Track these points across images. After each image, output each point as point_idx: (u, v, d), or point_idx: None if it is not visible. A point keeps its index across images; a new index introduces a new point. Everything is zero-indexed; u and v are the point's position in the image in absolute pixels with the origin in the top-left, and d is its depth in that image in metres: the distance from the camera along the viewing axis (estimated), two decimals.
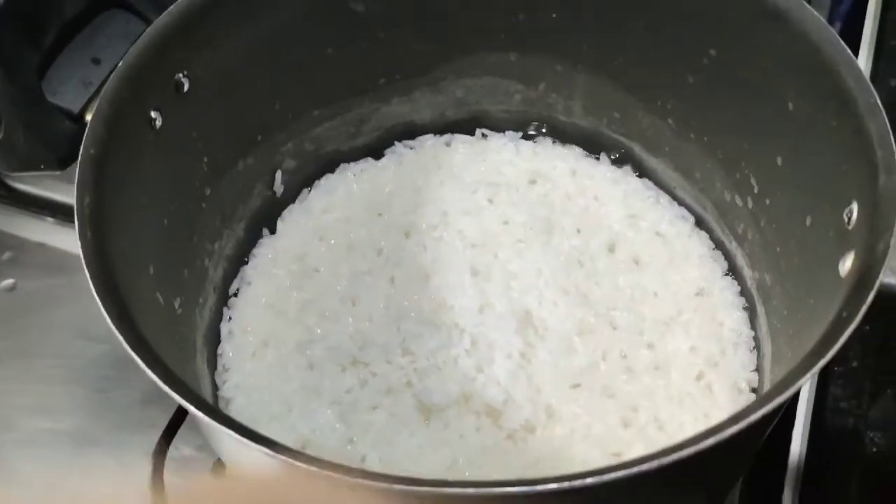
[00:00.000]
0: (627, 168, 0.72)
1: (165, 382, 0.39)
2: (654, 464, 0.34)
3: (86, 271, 0.41)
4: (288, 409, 0.60)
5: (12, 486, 0.74)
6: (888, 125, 0.43)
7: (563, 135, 0.73)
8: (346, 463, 0.56)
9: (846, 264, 0.43)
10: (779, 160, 0.55)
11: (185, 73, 0.54)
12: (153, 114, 0.52)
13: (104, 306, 0.40)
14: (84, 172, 0.45)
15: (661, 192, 0.70)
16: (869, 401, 0.71)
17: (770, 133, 0.55)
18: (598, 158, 0.73)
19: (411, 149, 0.75)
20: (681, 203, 0.69)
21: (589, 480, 0.33)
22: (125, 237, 0.47)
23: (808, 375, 0.36)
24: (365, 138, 0.72)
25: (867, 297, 0.38)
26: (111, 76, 0.49)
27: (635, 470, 0.34)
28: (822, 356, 0.36)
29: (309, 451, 0.58)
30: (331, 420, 0.59)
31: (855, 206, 0.45)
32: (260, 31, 0.58)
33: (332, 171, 0.72)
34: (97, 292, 0.40)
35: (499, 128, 0.74)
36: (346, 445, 0.59)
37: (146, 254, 0.51)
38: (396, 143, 0.74)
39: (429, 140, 0.75)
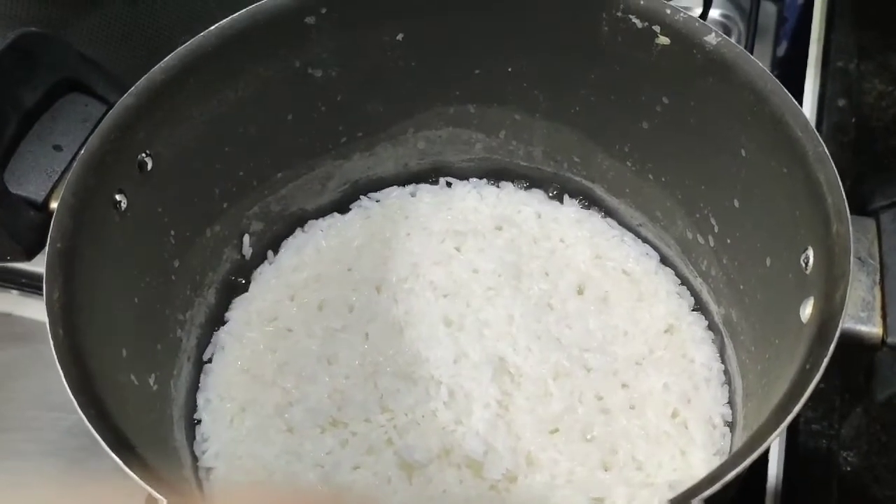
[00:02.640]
0: (592, 209, 0.73)
1: (154, 487, 0.39)
2: None
3: (59, 368, 0.41)
4: (270, 474, 0.60)
5: None
6: (836, 173, 0.45)
7: (525, 179, 0.74)
8: None
9: (807, 310, 0.44)
10: (735, 202, 0.57)
11: (148, 151, 0.54)
12: (118, 197, 0.52)
13: (80, 405, 0.40)
14: (52, 267, 0.45)
15: (625, 231, 0.72)
16: (839, 420, 0.73)
17: (725, 176, 0.57)
18: (561, 201, 0.74)
19: (377, 202, 0.75)
20: (645, 241, 0.71)
21: None
22: (97, 326, 0.47)
23: (777, 432, 0.37)
24: (330, 195, 0.73)
25: (828, 350, 0.39)
26: (74, 164, 0.49)
27: None
28: (789, 411, 0.38)
29: None
30: (314, 484, 0.60)
31: (811, 252, 0.46)
32: (220, 104, 0.59)
33: (299, 227, 0.73)
34: (71, 390, 0.40)
35: (462, 176, 0.75)
36: None
37: (119, 338, 0.51)
38: (362, 196, 0.75)
39: (394, 192, 0.75)
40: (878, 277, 0.43)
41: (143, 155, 0.54)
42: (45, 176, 0.50)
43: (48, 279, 0.44)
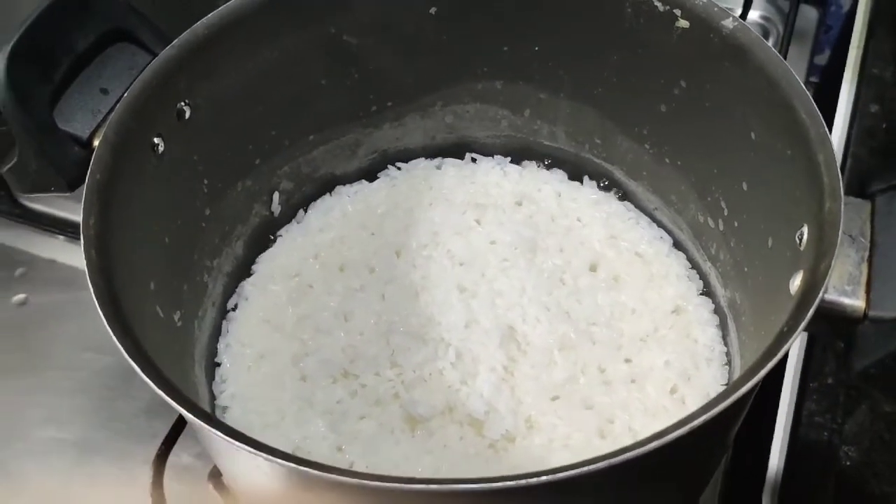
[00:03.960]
0: (610, 192, 0.75)
1: (165, 392, 0.42)
2: (606, 463, 0.37)
3: (90, 288, 0.44)
4: (281, 417, 0.64)
5: (20, 493, 0.77)
6: (835, 155, 0.47)
7: (548, 159, 0.77)
8: None
9: (795, 282, 0.46)
10: (744, 185, 0.58)
11: (187, 101, 0.58)
12: (156, 140, 0.55)
13: (108, 321, 0.43)
14: (90, 196, 0.48)
15: (640, 214, 0.74)
16: (843, 415, 0.74)
17: (736, 159, 0.59)
18: (581, 182, 0.76)
19: (403, 171, 0.78)
20: (660, 225, 0.72)
21: (543, 478, 0.37)
22: (128, 256, 0.51)
23: (743, 390, 0.39)
24: (359, 161, 0.76)
25: (807, 314, 0.41)
26: (117, 105, 0.53)
27: (589, 468, 0.37)
28: (758, 370, 0.39)
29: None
30: (321, 429, 0.63)
31: (805, 229, 0.48)
32: (257, 63, 0.62)
33: (327, 192, 0.76)
34: (101, 308, 0.44)
35: (487, 152, 0.78)
36: (335, 453, 0.62)
37: (148, 270, 0.54)
38: (389, 166, 0.78)
39: (420, 163, 0.78)
40: (866, 254, 0.45)
41: (182, 104, 0.58)
42: (90, 116, 0.54)
43: (86, 206, 0.48)
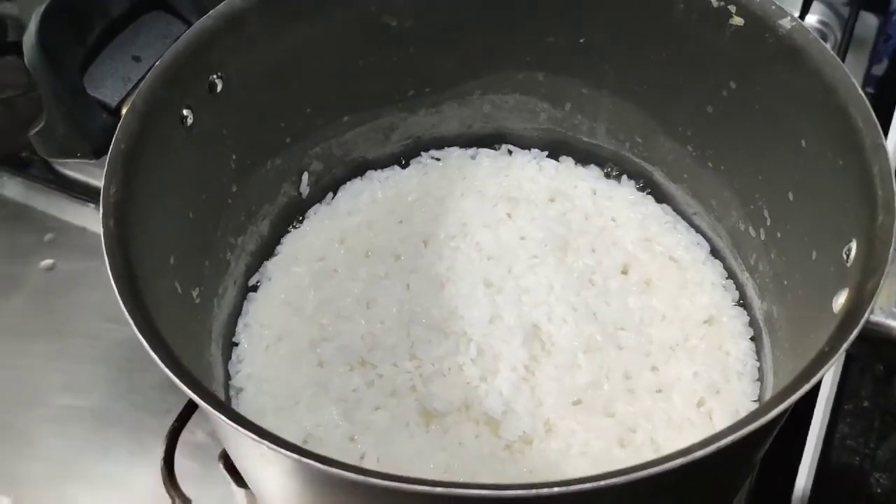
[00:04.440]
0: (647, 192, 0.73)
1: (172, 370, 0.41)
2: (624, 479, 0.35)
3: (105, 258, 0.43)
4: (295, 402, 0.62)
5: (35, 459, 0.78)
6: (891, 167, 0.44)
7: (586, 156, 0.74)
8: (343, 460, 0.59)
9: (839, 301, 0.43)
10: (790, 195, 0.56)
11: (220, 74, 0.57)
12: (185, 112, 0.54)
13: (120, 294, 0.42)
14: (113, 164, 0.47)
15: (678, 218, 0.71)
16: (877, 440, 0.71)
17: (783, 167, 0.56)
18: (619, 181, 0.74)
19: (437, 160, 0.77)
20: (697, 230, 0.70)
21: (556, 490, 0.35)
22: (148, 227, 0.50)
23: (778, 410, 0.37)
24: (392, 147, 0.74)
25: (850, 335, 0.39)
26: (148, 74, 0.52)
27: (604, 483, 0.35)
28: (795, 390, 0.37)
29: (310, 446, 0.61)
30: (335, 417, 0.61)
31: (854, 244, 0.45)
32: (293, 39, 0.61)
33: (358, 176, 0.74)
34: (115, 280, 0.43)
35: (524, 145, 0.76)
36: (346, 443, 0.60)
37: (169, 244, 0.53)
38: (423, 153, 0.76)
39: (455, 152, 0.76)
40: None
41: (215, 76, 0.56)
42: (121, 83, 0.53)
43: (107, 174, 0.47)
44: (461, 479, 0.58)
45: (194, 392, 0.41)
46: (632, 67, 0.65)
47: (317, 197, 0.73)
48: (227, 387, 0.63)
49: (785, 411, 0.38)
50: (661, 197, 0.72)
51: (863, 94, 0.47)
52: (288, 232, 0.72)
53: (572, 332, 0.65)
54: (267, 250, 0.70)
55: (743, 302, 0.66)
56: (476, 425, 0.61)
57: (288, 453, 0.38)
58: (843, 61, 0.90)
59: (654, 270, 0.69)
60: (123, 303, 0.42)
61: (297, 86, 0.64)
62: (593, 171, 0.75)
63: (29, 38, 0.48)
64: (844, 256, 0.46)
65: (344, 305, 0.67)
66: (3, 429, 0.79)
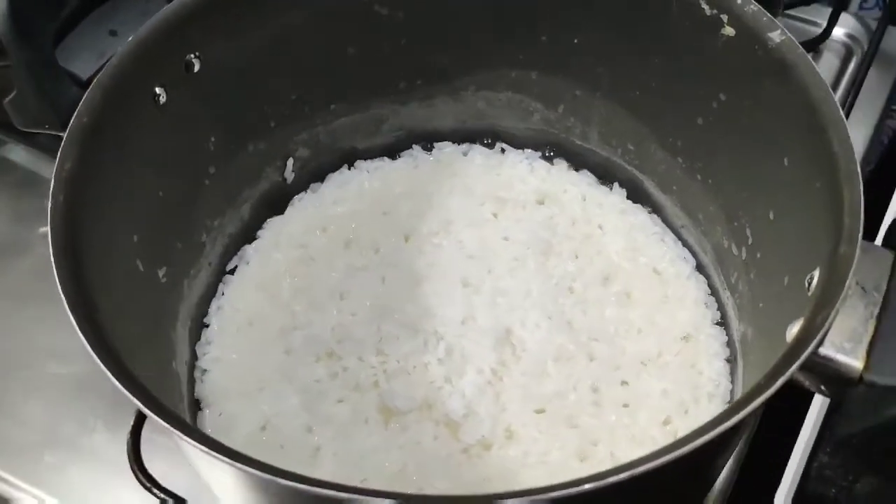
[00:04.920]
0: (639, 203, 0.71)
1: (97, 355, 0.40)
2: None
3: (48, 233, 0.43)
4: (258, 388, 0.62)
5: (16, 425, 0.78)
6: (862, 195, 0.42)
7: (579, 159, 0.73)
8: (299, 452, 0.59)
9: (793, 330, 0.42)
10: (771, 214, 0.54)
11: (198, 54, 0.56)
12: (158, 90, 0.54)
13: (58, 269, 0.42)
14: (71, 138, 0.47)
15: (666, 230, 0.69)
16: (856, 474, 0.69)
17: (766, 185, 0.54)
18: (610, 188, 0.72)
19: (429, 154, 0.75)
20: (685, 244, 0.68)
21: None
22: (108, 205, 0.49)
23: (712, 434, 0.35)
24: (384, 138, 0.73)
25: (790, 367, 0.37)
26: (119, 49, 0.51)
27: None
28: (726, 419, 0.36)
29: (267, 433, 0.60)
30: (296, 407, 0.61)
31: (817, 273, 0.43)
32: (279, 23, 0.60)
33: (346, 164, 0.74)
34: (54, 257, 0.42)
35: (517, 144, 0.74)
36: (304, 433, 0.60)
37: (131, 223, 0.53)
38: (415, 146, 0.75)
39: (447, 147, 0.75)
40: (876, 311, 0.40)
41: (192, 56, 0.56)
42: (95, 57, 0.53)
43: (64, 148, 0.46)
44: (415, 479, 0.58)
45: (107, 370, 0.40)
46: (625, 72, 0.63)
47: (303, 183, 0.72)
48: (192, 367, 0.63)
49: (720, 436, 0.37)
50: (651, 207, 0.70)
51: (843, 117, 0.45)
52: (271, 217, 0.71)
53: (545, 338, 0.64)
54: (248, 234, 0.70)
55: (723, 321, 0.64)
56: (436, 426, 0.60)
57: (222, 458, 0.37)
58: (865, 76, 0.87)
59: (636, 282, 0.67)
60: (60, 279, 0.41)
61: (282, 71, 0.63)
62: (586, 177, 0.73)
63: (0, 7, 0.48)
64: (806, 284, 0.44)
65: (318, 295, 0.67)
66: None
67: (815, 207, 0.46)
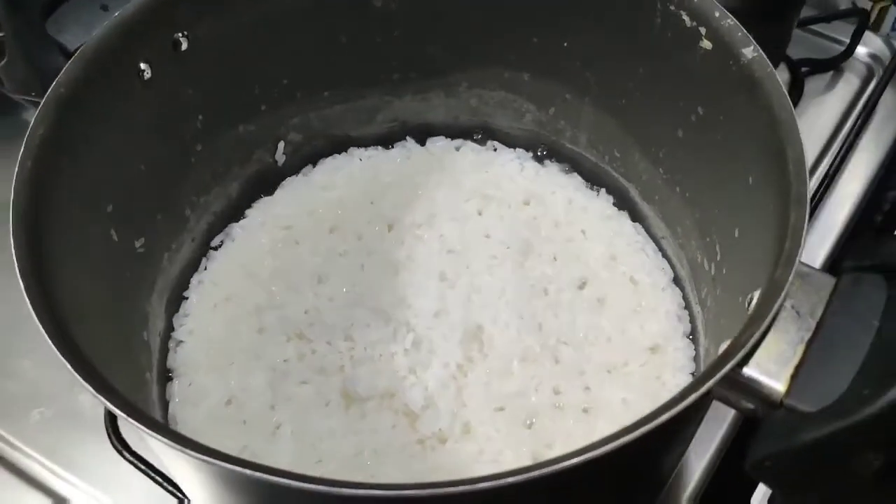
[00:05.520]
0: (623, 210, 0.71)
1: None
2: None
3: (11, 199, 0.45)
4: (228, 363, 0.64)
5: (8, 379, 0.81)
6: (806, 219, 0.41)
7: (571, 163, 0.73)
8: (260, 428, 0.60)
9: (722, 348, 0.41)
10: (736, 232, 0.53)
11: (185, 33, 0.57)
12: (143, 66, 0.55)
13: (14, 235, 0.43)
14: (46, 107, 0.48)
15: (648, 241, 0.69)
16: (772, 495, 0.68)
17: (733, 203, 0.53)
18: (597, 193, 0.72)
19: (422, 146, 0.76)
20: (664, 255, 0.68)
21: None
22: (80, 174, 0.51)
23: (619, 442, 0.36)
24: (378, 127, 0.74)
25: (703, 385, 0.37)
26: (105, 23, 0.53)
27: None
28: (648, 422, 0.36)
29: (232, 407, 0.62)
30: (261, 384, 0.62)
31: (757, 293, 0.43)
32: (272, 8, 0.61)
33: (339, 151, 0.75)
34: (13, 219, 0.44)
35: (510, 143, 0.75)
36: (266, 410, 0.61)
37: (105, 193, 0.54)
38: (409, 137, 0.76)
39: (440, 141, 0.76)
40: (807, 336, 0.39)
41: (180, 35, 0.57)
42: (84, 30, 0.55)
43: (38, 117, 0.48)
44: (369, 465, 0.59)
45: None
46: (611, 78, 0.63)
47: (295, 166, 0.74)
48: (166, 337, 0.65)
49: (629, 448, 0.37)
50: (636, 216, 0.70)
51: (801, 141, 0.44)
52: (260, 198, 0.73)
53: (513, 338, 0.64)
54: (235, 212, 0.71)
55: (692, 335, 0.64)
56: (395, 415, 0.61)
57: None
58: (879, 97, 0.85)
59: (612, 290, 0.67)
60: (16, 251, 0.43)
61: (273, 56, 0.64)
62: (574, 180, 0.73)
63: None
64: (746, 304, 0.43)
65: (297, 277, 0.68)
66: None
67: (769, 228, 0.46)
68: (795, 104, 0.88)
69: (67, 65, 0.50)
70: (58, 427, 0.74)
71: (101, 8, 0.56)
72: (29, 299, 0.42)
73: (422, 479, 0.58)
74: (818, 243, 0.77)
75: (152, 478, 0.65)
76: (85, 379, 0.39)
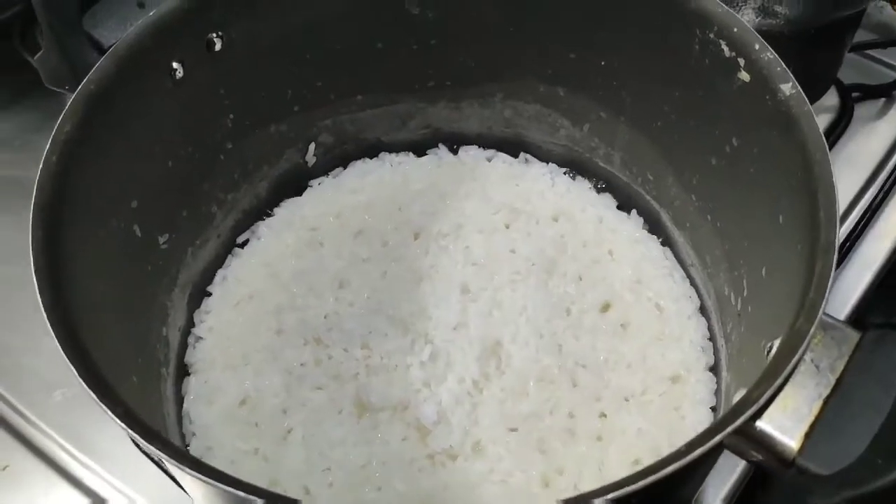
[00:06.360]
0: (654, 234, 0.69)
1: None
2: None
3: (34, 193, 0.45)
4: (245, 362, 0.64)
5: (36, 358, 0.82)
6: (832, 271, 0.40)
7: (603, 182, 0.72)
8: (271, 432, 0.60)
9: (737, 397, 0.40)
10: (763, 270, 0.52)
11: (220, 33, 0.57)
12: (175, 65, 0.55)
13: (33, 232, 0.44)
14: (75, 103, 0.49)
15: (676, 267, 0.67)
16: None
17: (763, 240, 0.52)
18: (628, 215, 0.71)
19: (454, 154, 0.75)
20: (692, 283, 0.66)
21: None
22: (107, 170, 0.51)
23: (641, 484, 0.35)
24: (410, 133, 0.74)
25: (713, 438, 0.36)
26: (139, 21, 0.53)
27: None
28: (655, 472, 0.35)
29: (245, 407, 0.62)
30: (276, 386, 0.62)
31: (777, 342, 0.41)
32: (308, 12, 0.61)
33: (370, 155, 0.74)
34: (33, 214, 0.44)
35: (543, 157, 0.74)
36: (279, 414, 0.61)
37: (131, 189, 0.55)
38: (441, 145, 0.75)
39: (472, 151, 0.75)
40: (825, 393, 0.38)
41: (214, 35, 0.57)
42: (120, 26, 0.55)
43: (67, 113, 0.48)
44: (377, 476, 0.58)
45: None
46: (648, 100, 0.61)
47: (325, 168, 0.73)
48: (185, 333, 0.65)
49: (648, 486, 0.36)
50: (666, 240, 0.68)
51: (834, 186, 0.43)
52: (289, 197, 0.73)
53: (531, 357, 0.63)
54: (264, 211, 0.71)
55: (715, 368, 0.62)
56: (406, 428, 0.61)
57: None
58: None
59: (635, 315, 0.65)
60: (33, 244, 0.43)
61: (307, 58, 0.64)
62: (605, 199, 0.72)
63: None
64: (765, 352, 0.42)
65: (319, 280, 0.68)
66: None
67: (795, 272, 0.44)
68: (843, 130, 0.85)
69: (100, 62, 0.51)
70: (79, 409, 0.75)
71: (137, 5, 0.56)
72: (42, 302, 0.42)
73: (428, 495, 0.58)
74: (852, 284, 0.73)
75: (164, 471, 0.66)
76: (86, 382, 0.39)
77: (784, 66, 0.48)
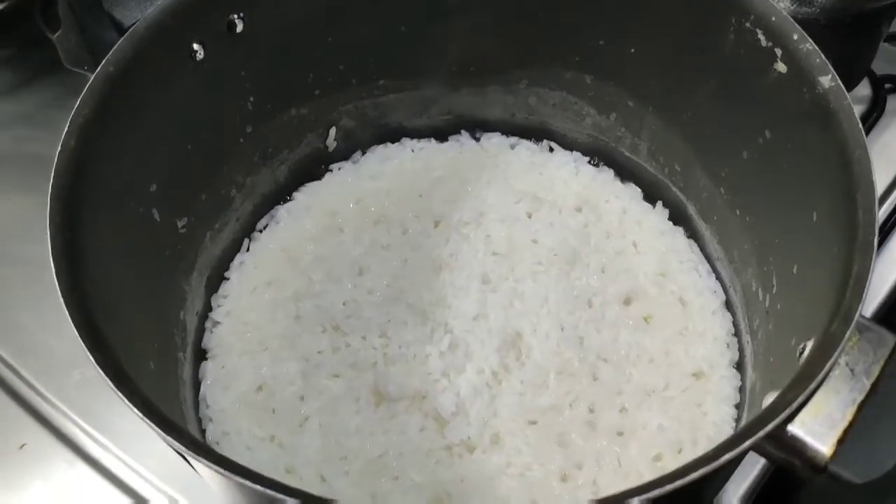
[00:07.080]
0: (679, 226, 0.68)
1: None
2: None
3: (51, 177, 0.44)
4: (262, 348, 0.63)
5: (55, 337, 0.82)
6: (871, 272, 0.38)
7: (627, 172, 0.70)
8: (288, 419, 0.59)
9: (768, 401, 0.39)
10: (795, 267, 0.50)
11: (241, 15, 0.56)
12: (196, 46, 0.55)
13: (51, 216, 0.43)
14: (94, 85, 0.48)
15: (702, 261, 0.66)
16: None
17: (795, 236, 0.50)
18: (654, 206, 0.69)
19: (477, 141, 0.74)
20: (718, 277, 0.65)
21: None
22: (124, 152, 0.50)
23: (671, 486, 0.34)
24: (432, 119, 0.73)
25: (744, 442, 0.35)
26: (160, 1, 0.52)
27: None
28: (681, 476, 0.34)
29: (262, 393, 0.61)
30: (293, 373, 0.62)
31: (810, 343, 0.40)
32: None
33: (393, 140, 0.73)
34: (50, 200, 0.44)
35: (567, 147, 0.72)
36: (296, 401, 0.61)
37: (149, 173, 0.54)
38: (463, 131, 0.74)
39: (495, 138, 0.74)
40: (859, 399, 0.37)
41: (236, 17, 0.56)
42: (140, 6, 0.54)
43: (84, 97, 0.48)
44: (394, 466, 0.58)
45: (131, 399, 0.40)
46: (678, 90, 0.60)
47: (346, 153, 0.72)
48: (203, 317, 0.65)
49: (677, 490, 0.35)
50: (692, 233, 0.67)
51: (874, 184, 0.41)
52: (308, 181, 0.72)
53: (552, 350, 0.62)
54: (282, 195, 0.70)
55: (740, 365, 0.61)
56: (424, 418, 0.60)
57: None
58: None
59: (659, 309, 0.64)
60: (51, 230, 0.43)
61: (330, 41, 0.63)
62: (630, 190, 0.70)
63: None
64: (798, 353, 0.41)
65: (337, 266, 0.67)
66: None
67: (830, 272, 0.43)
68: (875, 122, 0.83)
69: (119, 43, 0.50)
70: (96, 388, 0.74)
71: None
72: (59, 286, 0.41)
73: (446, 487, 0.57)
74: (881, 280, 0.72)
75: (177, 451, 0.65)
76: (103, 370, 0.39)
77: (823, 57, 0.47)
